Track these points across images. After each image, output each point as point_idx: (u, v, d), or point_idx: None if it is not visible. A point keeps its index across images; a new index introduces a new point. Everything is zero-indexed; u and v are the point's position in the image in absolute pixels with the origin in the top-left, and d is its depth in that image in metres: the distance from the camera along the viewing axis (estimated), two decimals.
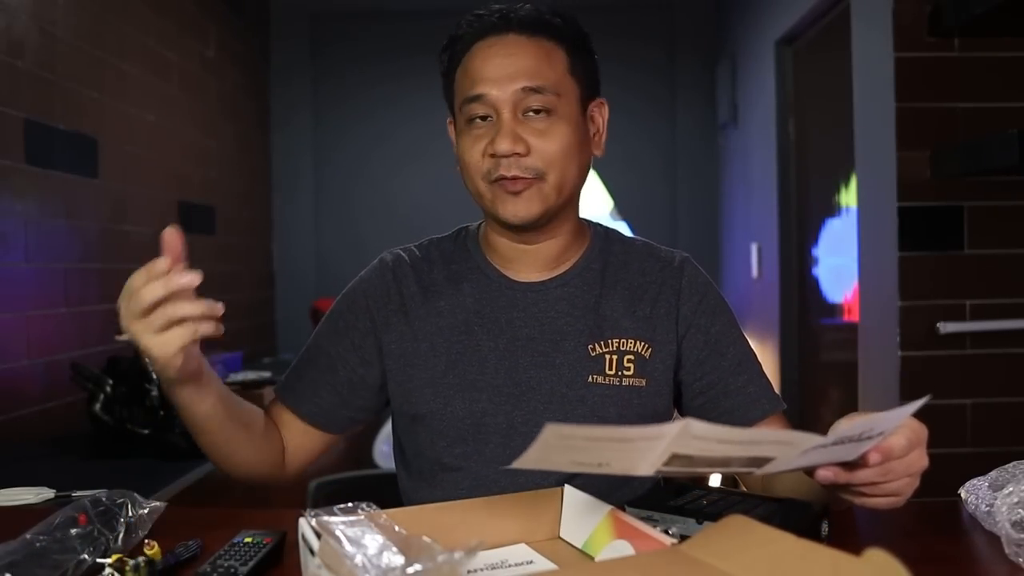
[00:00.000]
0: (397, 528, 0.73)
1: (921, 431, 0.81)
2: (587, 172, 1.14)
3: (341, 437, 1.20)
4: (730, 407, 1.11)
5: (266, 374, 3.02)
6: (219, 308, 0.89)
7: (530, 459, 0.67)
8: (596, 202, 4.28)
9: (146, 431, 1.92)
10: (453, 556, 0.62)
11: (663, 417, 1.13)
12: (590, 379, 1.10)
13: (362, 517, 0.75)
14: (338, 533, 0.69)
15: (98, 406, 1.93)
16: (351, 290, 1.18)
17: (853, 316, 2.66)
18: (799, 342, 3.31)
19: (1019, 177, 2.07)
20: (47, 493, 1.43)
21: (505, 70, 1.06)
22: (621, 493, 1.08)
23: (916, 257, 2.13)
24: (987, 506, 0.90)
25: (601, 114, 1.16)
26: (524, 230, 1.10)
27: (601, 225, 1.22)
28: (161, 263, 0.86)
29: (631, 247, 1.19)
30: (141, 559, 0.80)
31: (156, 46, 2.94)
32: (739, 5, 3.90)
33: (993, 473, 0.95)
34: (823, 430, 0.78)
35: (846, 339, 2.75)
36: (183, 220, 3.11)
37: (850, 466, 0.79)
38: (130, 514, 0.88)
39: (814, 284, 3.19)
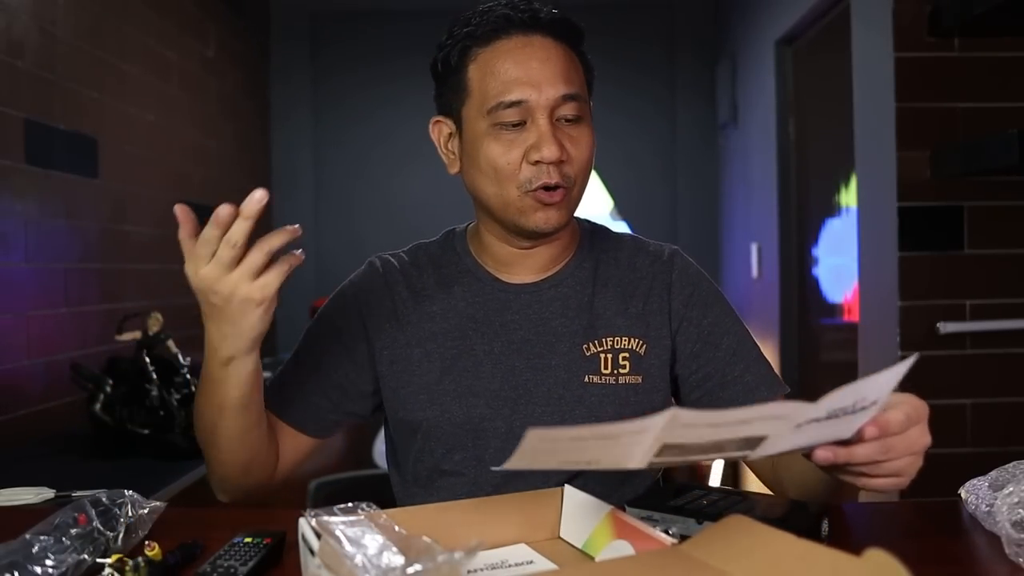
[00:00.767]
0: (397, 528, 0.73)
1: (922, 408, 0.79)
2: None
3: (328, 441, 1.19)
4: (729, 398, 1.11)
5: (266, 374, 3.01)
6: (297, 230, 0.87)
7: (517, 462, 0.66)
8: (596, 202, 4.28)
9: (146, 431, 1.92)
10: (453, 556, 0.62)
11: None
12: (586, 379, 1.09)
13: (362, 517, 0.74)
14: (338, 533, 0.69)
15: (98, 406, 1.93)
16: (340, 294, 1.17)
17: (853, 316, 2.66)
18: (799, 342, 3.31)
19: (1019, 177, 2.07)
20: (47, 493, 1.43)
21: (544, 74, 1.02)
22: (621, 493, 1.08)
23: (916, 257, 2.13)
24: (987, 506, 0.90)
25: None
26: (540, 237, 1.09)
27: (587, 222, 1.21)
28: (224, 208, 0.84)
29: (620, 243, 1.19)
30: (141, 559, 0.80)
31: (156, 46, 2.94)
32: (739, 5, 3.90)
33: (993, 473, 0.95)
34: None
35: (846, 339, 2.75)
36: None
37: (848, 445, 0.77)
38: (130, 514, 0.88)
39: (814, 284, 3.19)
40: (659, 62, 4.34)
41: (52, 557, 0.77)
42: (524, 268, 1.14)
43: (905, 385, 2.01)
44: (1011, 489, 0.84)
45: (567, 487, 0.88)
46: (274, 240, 0.86)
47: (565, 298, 1.13)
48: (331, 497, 1.55)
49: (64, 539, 0.79)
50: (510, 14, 1.04)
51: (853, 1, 2.48)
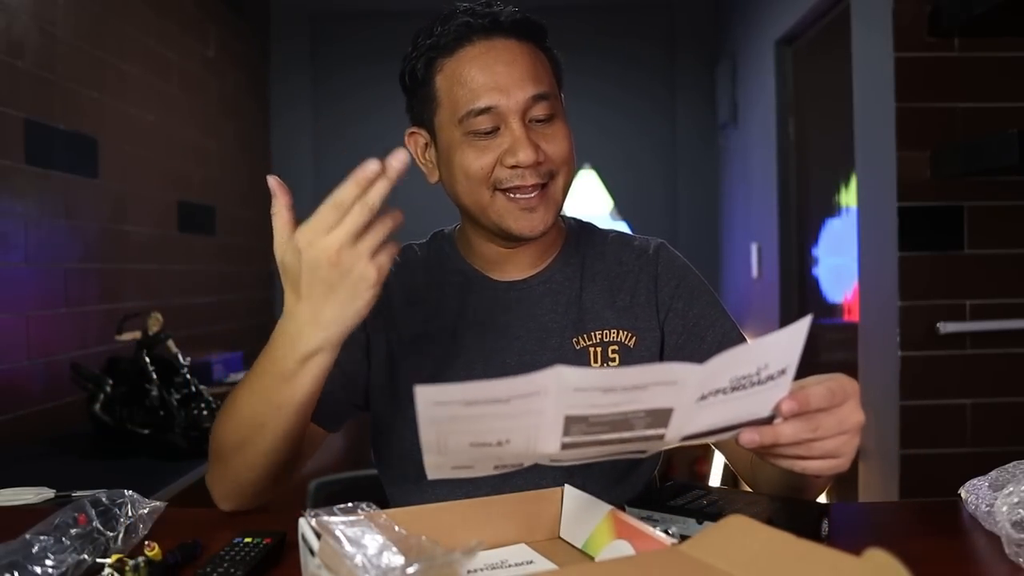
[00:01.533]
0: (397, 528, 0.73)
1: (850, 385, 0.76)
2: None
3: (328, 441, 1.18)
4: None
5: None
6: (400, 215, 0.81)
7: (430, 448, 0.65)
8: (596, 202, 4.28)
9: (146, 431, 1.92)
10: (453, 556, 0.62)
11: None
12: None
13: (362, 517, 0.74)
14: (338, 533, 0.69)
15: (98, 406, 1.93)
16: None
17: (853, 316, 2.66)
18: None
19: (1019, 177, 2.07)
20: (47, 493, 1.43)
21: (511, 77, 1.02)
22: (620, 492, 1.08)
23: (916, 257, 2.13)
24: (987, 506, 0.90)
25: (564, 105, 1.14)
26: (528, 241, 1.09)
27: (574, 220, 1.22)
28: (371, 163, 0.79)
29: (606, 238, 1.20)
30: (141, 559, 0.80)
31: (156, 46, 2.94)
32: (739, 5, 3.90)
33: (993, 473, 0.95)
34: None
35: (846, 339, 2.75)
36: (183, 220, 3.11)
37: (774, 425, 0.75)
38: (130, 514, 0.88)
39: (814, 284, 3.19)
40: (659, 62, 4.34)
41: (52, 557, 0.77)
42: (512, 266, 1.14)
43: (905, 385, 2.00)
44: (1011, 489, 0.84)
45: (567, 487, 0.88)
46: (388, 222, 0.81)
47: (555, 294, 1.13)
48: (331, 497, 1.55)
49: (64, 539, 0.79)
50: (470, 20, 1.04)
51: (853, 1, 2.48)
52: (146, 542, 0.83)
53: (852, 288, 2.72)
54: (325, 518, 0.73)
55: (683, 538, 0.74)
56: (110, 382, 1.95)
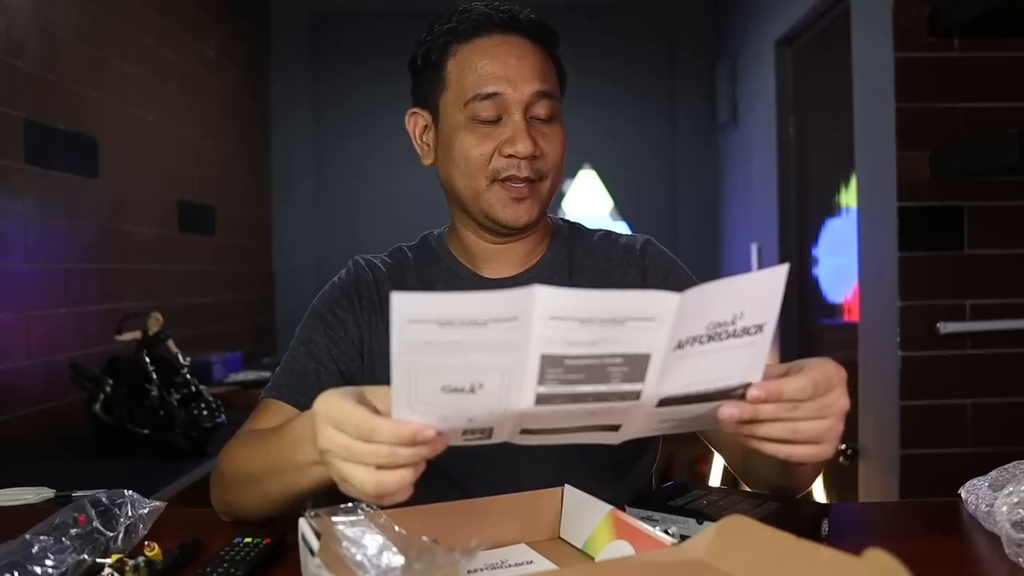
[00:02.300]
0: (397, 528, 0.73)
1: (836, 373, 0.76)
2: None
3: None
4: None
5: (266, 374, 3.02)
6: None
7: (400, 398, 0.63)
8: (596, 202, 4.28)
9: (146, 431, 1.92)
10: (453, 556, 0.62)
11: None
12: None
13: (362, 517, 0.74)
14: (338, 533, 0.69)
15: (98, 406, 1.93)
16: (333, 288, 1.17)
17: (853, 316, 2.66)
18: (799, 342, 3.31)
19: (1019, 177, 2.07)
20: (47, 493, 1.43)
21: (520, 71, 1.07)
22: (619, 492, 1.08)
23: (916, 257, 2.13)
24: (987, 506, 0.90)
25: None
26: (514, 232, 1.12)
27: (563, 219, 1.25)
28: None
29: (593, 236, 1.22)
30: (141, 559, 0.80)
31: (156, 46, 2.94)
32: (739, 5, 3.90)
33: (993, 473, 0.95)
34: None
35: (846, 339, 2.75)
36: (183, 220, 3.11)
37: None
38: (130, 514, 0.88)
39: (814, 284, 3.19)
40: (659, 62, 4.34)
41: (52, 557, 0.77)
42: (501, 262, 1.16)
43: (905, 385, 2.01)
44: (1011, 489, 0.84)
45: (567, 487, 0.88)
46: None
47: None
48: (331, 497, 1.55)
49: (64, 539, 0.80)
50: (491, 14, 1.09)
51: (853, 1, 2.48)
52: (146, 542, 0.83)
53: (852, 288, 2.72)
54: (325, 518, 0.73)
55: (683, 538, 0.74)
56: (110, 382, 1.95)
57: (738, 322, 0.68)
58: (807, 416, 0.73)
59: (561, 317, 0.62)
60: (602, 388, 0.66)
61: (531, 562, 0.82)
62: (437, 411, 0.65)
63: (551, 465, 1.05)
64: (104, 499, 0.88)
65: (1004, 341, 2.12)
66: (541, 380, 0.64)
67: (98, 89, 2.51)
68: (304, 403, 1.11)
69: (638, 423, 0.72)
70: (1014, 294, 2.12)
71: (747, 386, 0.72)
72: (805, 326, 3.29)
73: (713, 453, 3.28)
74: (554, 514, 0.88)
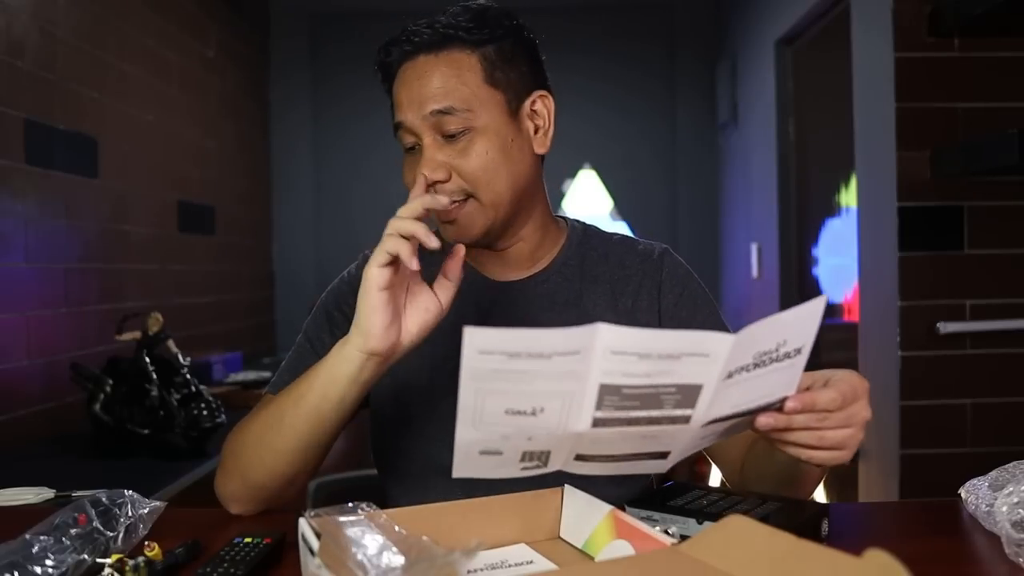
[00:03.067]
0: (397, 528, 0.73)
1: (860, 385, 0.81)
2: (534, 173, 1.10)
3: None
4: None
5: (266, 374, 3.02)
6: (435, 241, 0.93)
7: (466, 417, 0.66)
8: (596, 202, 4.28)
9: (146, 431, 1.92)
10: (453, 556, 0.62)
11: None
12: None
13: (362, 517, 0.74)
14: (338, 533, 0.69)
15: (98, 406, 1.93)
16: (341, 284, 1.17)
17: (853, 316, 2.66)
18: None
19: (1019, 177, 2.07)
20: (47, 493, 1.43)
21: (414, 95, 1.04)
22: (619, 493, 1.08)
23: (916, 257, 2.13)
24: (987, 506, 0.90)
25: (546, 107, 1.10)
26: (478, 246, 1.10)
27: (579, 221, 1.22)
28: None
29: (609, 241, 1.19)
30: (141, 559, 0.80)
31: (156, 46, 2.94)
32: (739, 5, 3.90)
33: (993, 473, 0.95)
34: None
35: (846, 339, 2.75)
36: (183, 220, 3.11)
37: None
38: (130, 514, 0.88)
39: (814, 284, 3.19)
40: (659, 62, 4.34)
41: (52, 557, 0.77)
42: (503, 266, 1.14)
43: (905, 385, 2.01)
44: (1011, 489, 0.84)
45: (567, 487, 0.88)
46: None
47: (552, 294, 1.13)
48: (331, 497, 1.55)
49: (64, 539, 0.79)
50: (404, 39, 1.08)
51: (853, 1, 2.48)
52: (146, 542, 0.83)
53: (852, 288, 2.72)
54: (325, 518, 0.73)
55: (683, 538, 0.74)
56: (110, 382, 1.95)
57: (781, 349, 0.73)
58: (834, 425, 0.80)
59: (622, 352, 0.65)
60: (655, 413, 0.70)
61: (531, 562, 0.82)
62: (499, 430, 0.69)
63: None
64: (104, 499, 0.88)
65: (1004, 341, 2.12)
66: (599, 406, 0.68)
67: (98, 89, 2.51)
68: None
69: (684, 444, 0.77)
70: (1014, 294, 2.12)
71: (783, 399, 0.78)
72: None
73: None
74: (554, 514, 0.88)
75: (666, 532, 0.76)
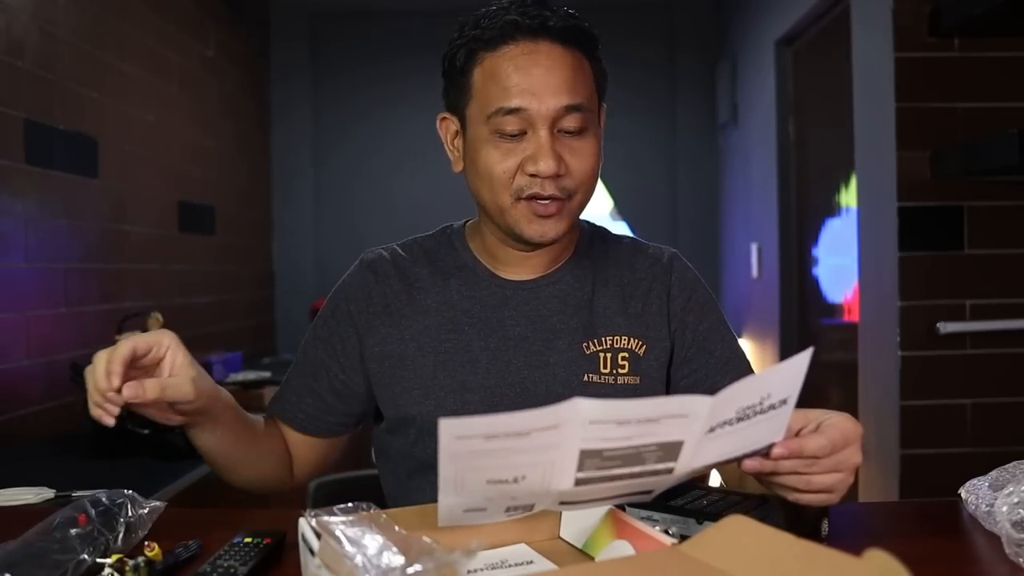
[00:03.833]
0: (397, 528, 0.73)
1: (853, 431, 0.80)
2: None
3: (343, 441, 1.19)
4: None
5: (266, 374, 3.02)
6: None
7: (447, 487, 0.66)
8: (596, 202, 4.28)
9: (146, 431, 1.92)
10: (453, 556, 0.62)
11: None
12: (585, 378, 1.09)
13: (362, 517, 0.74)
14: (338, 533, 0.69)
15: None
16: (334, 295, 1.17)
17: (853, 316, 2.66)
18: (799, 342, 3.31)
19: (1019, 177, 2.07)
20: (47, 493, 1.43)
21: (546, 83, 1.00)
22: None
23: (916, 257, 2.13)
24: (987, 506, 0.90)
25: (603, 119, 1.13)
26: (540, 246, 1.08)
27: (587, 223, 1.21)
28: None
29: (619, 244, 1.19)
30: (141, 559, 0.80)
31: (156, 46, 2.94)
32: (739, 5, 3.90)
33: (993, 473, 0.95)
34: None
35: (846, 339, 2.75)
36: (183, 220, 3.11)
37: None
38: (130, 514, 0.88)
39: (814, 284, 3.19)
40: (659, 62, 4.34)
41: (52, 557, 0.77)
42: (523, 267, 1.13)
43: (905, 385, 2.00)
44: (1011, 489, 0.84)
45: None
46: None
47: (563, 296, 1.13)
48: (331, 497, 1.55)
49: (64, 539, 0.79)
50: (518, 20, 1.01)
51: (853, 1, 2.48)
52: (146, 542, 0.83)
53: (852, 288, 2.72)
54: (325, 518, 0.73)
55: (683, 538, 0.74)
56: None
57: (765, 402, 0.72)
58: (822, 471, 0.79)
59: (600, 421, 0.65)
60: (637, 469, 0.70)
61: (531, 562, 0.82)
62: (481, 498, 0.69)
63: None
64: (104, 499, 0.87)
65: (1004, 341, 2.12)
66: (580, 468, 0.68)
67: (98, 89, 2.51)
68: (286, 418, 1.16)
69: (670, 485, 0.77)
70: (1014, 294, 2.12)
71: (771, 445, 0.77)
72: (805, 326, 3.29)
73: None
74: (554, 514, 0.88)
75: (666, 532, 0.76)
